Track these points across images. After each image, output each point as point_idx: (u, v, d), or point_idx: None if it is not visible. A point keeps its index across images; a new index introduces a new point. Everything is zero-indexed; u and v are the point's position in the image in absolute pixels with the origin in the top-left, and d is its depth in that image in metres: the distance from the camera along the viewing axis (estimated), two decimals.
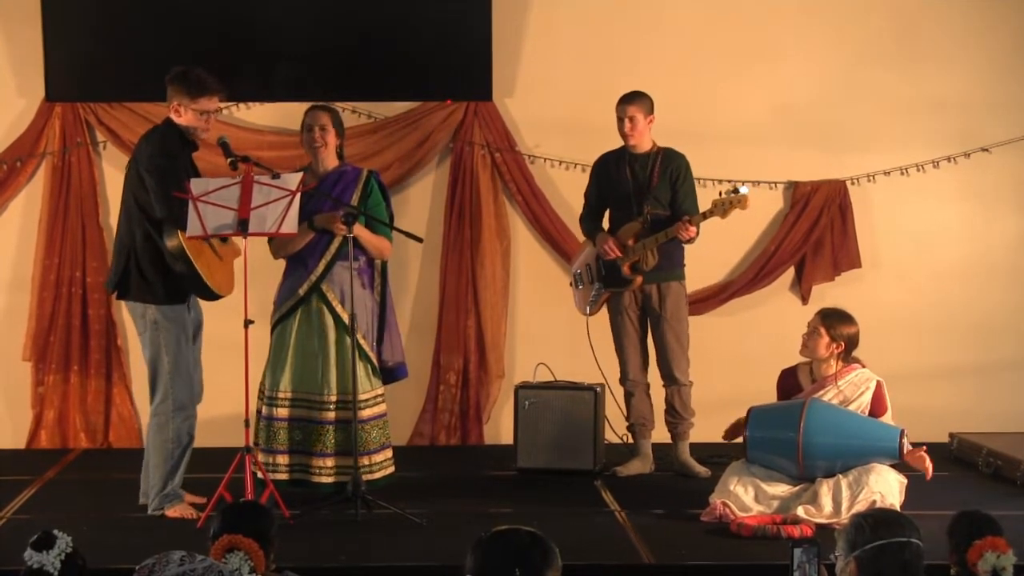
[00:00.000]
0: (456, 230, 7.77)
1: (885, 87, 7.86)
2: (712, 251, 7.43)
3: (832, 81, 7.85)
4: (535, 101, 7.81)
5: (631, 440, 7.11)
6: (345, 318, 6.18)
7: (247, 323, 5.83)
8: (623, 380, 7.02)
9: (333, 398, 6.25)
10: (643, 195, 6.86)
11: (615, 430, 7.25)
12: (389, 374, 6.52)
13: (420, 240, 6.46)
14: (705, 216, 6.71)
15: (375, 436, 6.29)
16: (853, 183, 7.88)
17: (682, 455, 6.97)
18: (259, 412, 6.29)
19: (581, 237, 7.33)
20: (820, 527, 5.66)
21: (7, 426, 7.73)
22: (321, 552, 5.47)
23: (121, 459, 7.11)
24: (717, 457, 6.89)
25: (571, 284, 7.23)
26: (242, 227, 5.78)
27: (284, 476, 6.22)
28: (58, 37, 7.52)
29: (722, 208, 6.64)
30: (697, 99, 7.73)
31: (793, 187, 7.88)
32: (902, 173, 7.91)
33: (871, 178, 7.89)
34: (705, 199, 6.85)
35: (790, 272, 7.95)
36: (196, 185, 5.81)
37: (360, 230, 6.19)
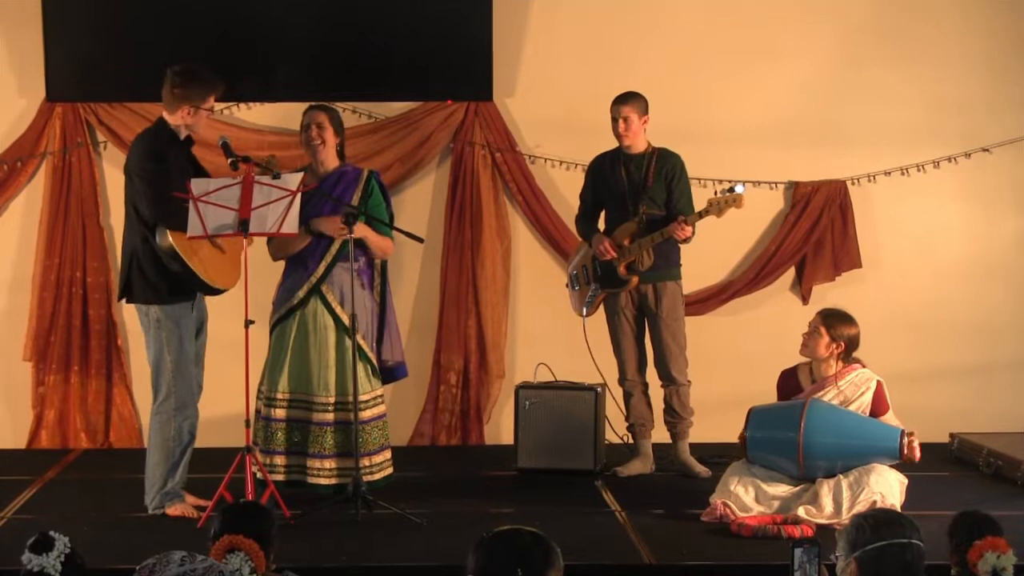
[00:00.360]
0: (457, 230, 7.77)
1: (885, 87, 7.86)
2: (713, 251, 7.43)
3: (832, 81, 7.85)
4: (536, 101, 7.81)
5: (631, 440, 7.11)
6: (345, 319, 6.18)
7: (247, 323, 5.83)
8: (622, 380, 7.02)
9: (332, 399, 6.25)
10: (638, 195, 6.86)
11: (615, 430, 7.25)
12: (389, 374, 6.52)
13: (421, 240, 6.47)
14: (700, 215, 6.70)
15: (375, 437, 6.29)
16: (853, 183, 7.88)
17: (682, 455, 6.97)
18: (258, 412, 6.29)
19: (579, 238, 7.33)
20: (821, 527, 5.66)
21: (7, 426, 7.73)
22: (321, 552, 5.47)
23: (122, 459, 7.11)
24: (717, 457, 6.89)
25: (567, 285, 7.24)
26: (243, 227, 5.78)
27: (281, 477, 6.22)
28: (58, 37, 7.52)
29: (717, 207, 6.64)
30: (697, 99, 7.73)
31: (793, 187, 7.88)
32: (902, 173, 7.91)
33: (871, 178, 7.89)
34: (705, 199, 6.85)
35: (791, 272, 7.95)
36: (196, 185, 5.82)
37: (365, 230, 6.19)
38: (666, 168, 6.87)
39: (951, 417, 7.63)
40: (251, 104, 7.71)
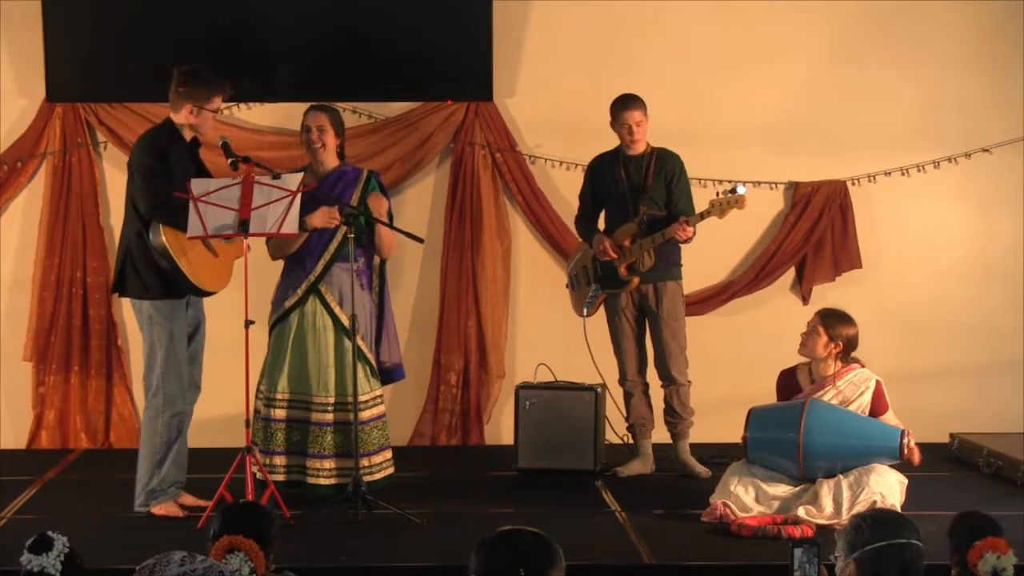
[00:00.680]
0: (457, 230, 7.78)
1: (885, 87, 7.85)
2: (713, 251, 7.43)
3: (832, 81, 7.85)
4: (536, 101, 7.81)
5: (631, 440, 7.10)
6: (344, 319, 6.19)
7: (247, 323, 5.83)
8: (622, 381, 7.02)
9: (331, 400, 6.25)
10: (638, 196, 6.86)
11: (615, 430, 7.25)
12: (386, 375, 6.53)
13: (421, 241, 6.47)
14: (702, 216, 6.70)
15: (375, 437, 6.30)
16: (854, 183, 7.88)
17: (682, 455, 6.97)
18: (257, 412, 6.29)
19: (578, 238, 7.33)
20: (821, 527, 5.66)
21: (8, 426, 7.73)
22: (321, 552, 5.47)
23: (122, 459, 7.10)
24: (718, 457, 6.89)
25: (567, 286, 7.23)
26: (243, 227, 5.79)
27: (281, 477, 6.23)
28: (58, 37, 7.52)
29: (719, 208, 6.64)
30: (697, 99, 7.73)
31: (793, 187, 7.88)
32: (902, 173, 7.91)
33: (871, 178, 7.89)
34: (705, 199, 6.85)
35: (791, 272, 7.95)
36: (197, 185, 5.82)
37: (380, 227, 6.18)
38: (666, 168, 6.87)
39: (951, 417, 7.63)
40: (251, 104, 7.71)
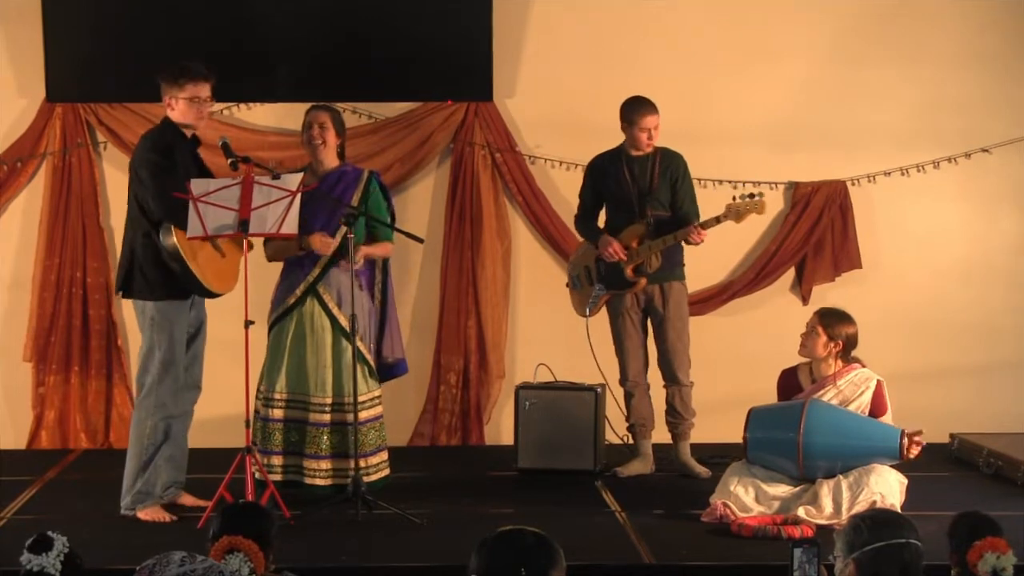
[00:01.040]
0: (457, 231, 7.78)
1: (885, 87, 7.86)
2: (713, 251, 7.42)
3: (832, 81, 7.85)
4: (536, 102, 7.81)
5: (631, 441, 7.10)
6: (342, 320, 6.19)
7: (247, 324, 5.83)
8: (623, 381, 7.02)
9: (329, 400, 6.25)
10: (645, 197, 6.85)
11: (615, 430, 7.25)
12: (389, 371, 6.53)
13: (421, 241, 6.47)
14: (719, 220, 6.69)
15: (372, 438, 6.29)
16: (853, 183, 7.88)
17: (682, 455, 6.97)
18: (256, 412, 6.29)
19: (579, 238, 7.33)
20: (820, 527, 5.66)
21: (8, 426, 7.73)
22: (321, 552, 5.47)
23: (121, 459, 7.06)
24: (718, 457, 6.89)
25: (567, 285, 7.23)
26: (243, 227, 5.79)
27: (279, 477, 6.22)
28: (58, 37, 7.52)
29: (736, 213, 6.64)
30: (697, 99, 7.73)
31: (793, 187, 7.88)
32: (902, 173, 7.91)
33: (871, 178, 7.89)
34: (705, 200, 6.85)
35: (790, 273, 7.95)
36: (196, 185, 5.82)
37: (366, 249, 6.21)
38: (671, 169, 6.87)
39: (951, 417, 7.62)
40: (251, 104, 7.71)
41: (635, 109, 6.80)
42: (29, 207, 7.70)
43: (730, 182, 7.67)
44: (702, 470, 6.89)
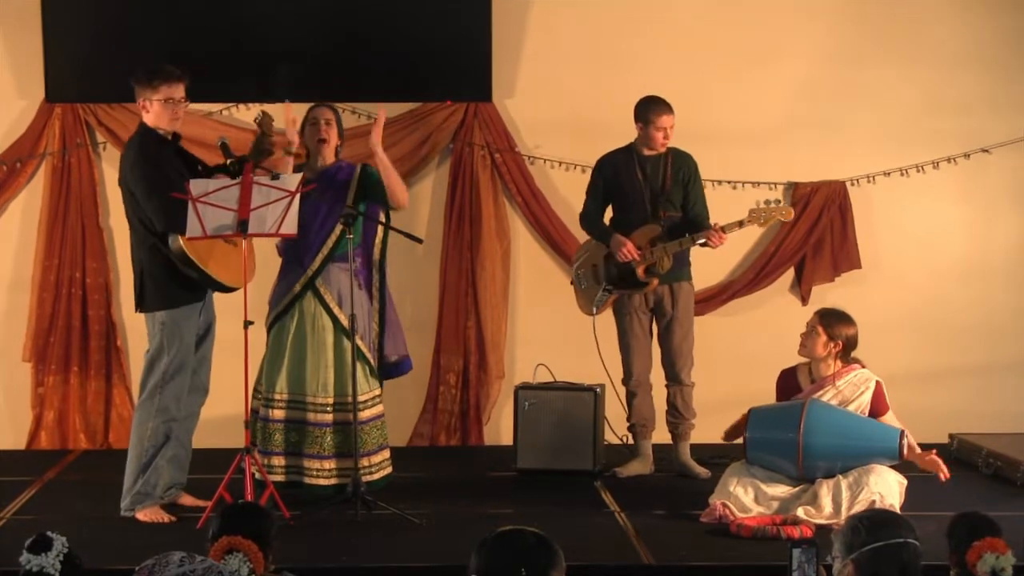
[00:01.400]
0: (456, 231, 7.78)
1: (885, 87, 7.86)
2: (712, 252, 7.41)
3: (832, 81, 7.85)
4: (535, 102, 7.81)
5: (631, 440, 7.10)
6: (342, 320, 6.19)
7: (247, 324, 5.83)
8: (626, 380, 7.01)
9: (330, 400, 6.25)
10: (657, 198, 6.84)
11: (615, 431, 7.25)
12: (394, 369, 6.53)
13: (420, 241, 6.46)
14: (741, 224, 6.69)
15: (374, 437, 6.30)
16: (853, 184, 7.89)
17: (682, 456, 6.97)
18: (256, 413, 6.28)
19: (581, 238, 7.32)
20: (820, 528, 5.65)
21: (7, 427, 7.73)
22: (321, 552, 5.47)
23: (121, 460, 7.05)
24: (717, 458, 6.89)
25: (572, 283, 7.21)
26: (242, 228, 5.78)
27: (280, 477, 6.22)
28: (58, 38, 7.53)
29: (761, 218, 6.66)
30: (697, 99, 7.72)
31: (793, 188, 7.88)
32: (902, 174, 7.91)
33: (871, 179, 7.89)
34: (711, 197, 6.84)
35: (790, 273, 7.95)
36: (195, 186, 5.81)
37: (384, 164, 6.19)
38: (683, 169, 6.87)
39: (951, 417, 7.63)
40: (250, 104, 7.71)
41: (651, 108, 6.80)
42: (28, 207, 7.70)
43: (729, 182, 7.67)
44: (701, 470, 6.88)
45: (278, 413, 6.26)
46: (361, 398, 6.15)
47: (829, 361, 6.10)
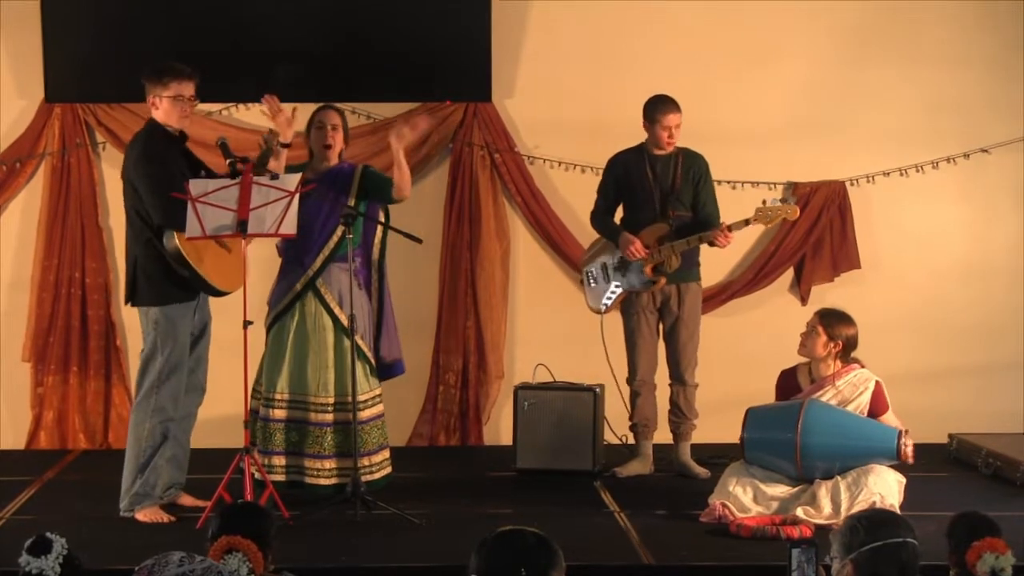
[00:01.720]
0: (455, 231, 7.78)
1: (884, 87, 7.86)
2: (712, 251, 7.41)
3: (832, 81, 7.85)
4: (535, 102, 7.81)
5: (632, 440, 7.10)
6: (343, 319, 6.19)
7: (246, 324, 5.83)
8: (631, 379, 7.00)
9: (331, 400, 6.25)
10: (667, 198, 6.84)
11: (614, 431, 7.25)
12: (387, 370, 6.53)
13: (419, 241, 6.45)
14: (747, 223, 6.70)
15: (374, 437, 6.30)
16: (853, 184, 7.88)
17: (682, 456, 6.97)
18: (255, 412, 6.28)
19: (580, 237, 7.32)
20: (819, 528, 5.65)
21: (7, 427, 7.73)
22: (321, 552, 5.47)
23: (120, 460, 7.08)
24: (717, 458, 6.89)
25: (582, 281, 7.20)
26: (241, 228, 5.78)
27: (280, 477, 6.22)
28: (57, 38, 7.52)
29: (767, 217, 6.66)
30: (697, 100, 7.69)
31: (793, 188, 7.88)
32: (901, 174, 7.91)
33: (871, 179, 7.89)
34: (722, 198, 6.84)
35: (789, 273, 7.95)
36: (195, 186, 5.81)
37: (399, 161, 6.19)
38: (694, 169, 6.87)
39: (950, 417, 7.63)
40: (250, 104, 7.70)
41: (657, 107, 6.80)
42: (28, 207, 7.70)
43: (729, 182, 7.67)
44: (701, 471, 6.88)
45: (279, 413, 6.26)
46: (361, 397, 6.15)
47: (829, 361, 6.10)
